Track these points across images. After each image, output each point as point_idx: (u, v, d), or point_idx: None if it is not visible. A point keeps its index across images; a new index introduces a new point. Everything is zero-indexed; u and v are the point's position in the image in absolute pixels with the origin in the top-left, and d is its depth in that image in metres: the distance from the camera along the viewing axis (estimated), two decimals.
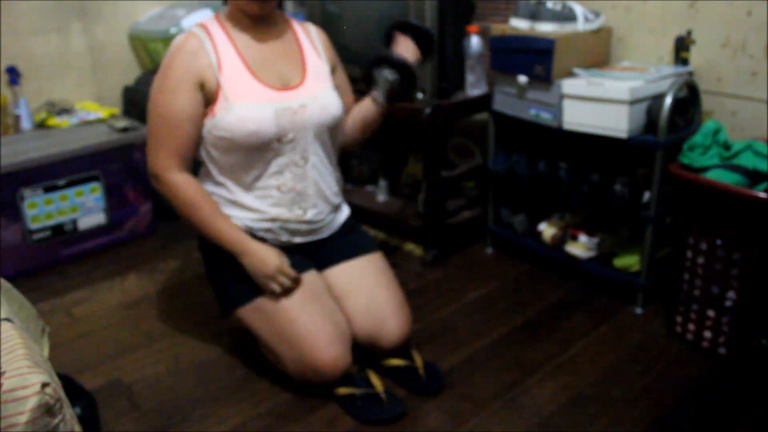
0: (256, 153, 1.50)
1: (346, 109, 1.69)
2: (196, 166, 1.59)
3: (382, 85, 1.64)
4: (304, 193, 1.57)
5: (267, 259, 1.49)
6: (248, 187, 1.55)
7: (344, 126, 1.71)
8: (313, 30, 1.68)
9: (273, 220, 1.57)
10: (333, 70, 1.67)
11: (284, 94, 1.51)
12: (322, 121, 1.56)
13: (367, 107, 1.70)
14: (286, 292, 1.51)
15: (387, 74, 1.63)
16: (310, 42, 1.63)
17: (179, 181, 1.49)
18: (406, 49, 1.67)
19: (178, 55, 1.48)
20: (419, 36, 1.70)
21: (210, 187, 1.57)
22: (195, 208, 1.50)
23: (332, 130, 1.61)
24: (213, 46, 1.49)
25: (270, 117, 1.47)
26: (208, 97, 1.49)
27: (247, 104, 1.47)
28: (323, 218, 1.63)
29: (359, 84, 2.22)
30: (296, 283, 1.52)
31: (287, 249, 1.60)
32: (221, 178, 1.56)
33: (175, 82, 1.46)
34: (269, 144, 1.49)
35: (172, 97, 1.46)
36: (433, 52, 1.77)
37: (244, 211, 1.56)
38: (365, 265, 1.66)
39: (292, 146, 1.52)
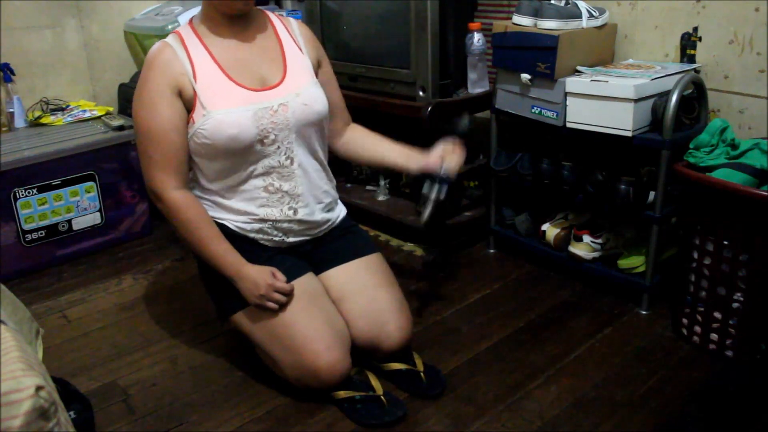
0: (239, 157, 1.47)
1: (334, 106, 1.64)
2: None
3: (430, 198, 1.57)
4: (293, 193, 1.54)
5: (258, 280, 1.46)
6: (235, 191, 1.52)
7: (352, 143, 1.71)
8: (294, 24, 1.64)
9: (263, 220, 1.54)
10: (318, 65, 1.63)
11: (262, 95, 1.48)
12: (305, 119, 1.52)
13: (393, 161, 1.68)
14: (282, 306, 1.48)
15: (433, 188, 1.58)
16: (291, 37, 1.59)
17: (179, 201, 1.47)
18: (447, 154, 1.61)
19: (152, 68, 1.46)
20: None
21: (197, 193, 1.56)
22: (193, 229, 1.48)
23: (318, 127, 1.58)
24: (187, 55, 1.46)
25: (249, 119, 1.44)
26: (187, 106, 1.46)
27: (224, 110, 1.44)
28: (316, 218, 1.60)
29: (357, 81, 2.21)
30: (291, 294, 1.49)
31: (281, 249, 1.57)
32: (208, 184, 1.53)
33: (152, 95, 1.44)
34: (251, 147, 1.46)
35: (152, 110, 1.44)
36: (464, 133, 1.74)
37: (233, 214, 1.54)
38: (364, 266, 1.64)
39: (275, 147, 1.49)
